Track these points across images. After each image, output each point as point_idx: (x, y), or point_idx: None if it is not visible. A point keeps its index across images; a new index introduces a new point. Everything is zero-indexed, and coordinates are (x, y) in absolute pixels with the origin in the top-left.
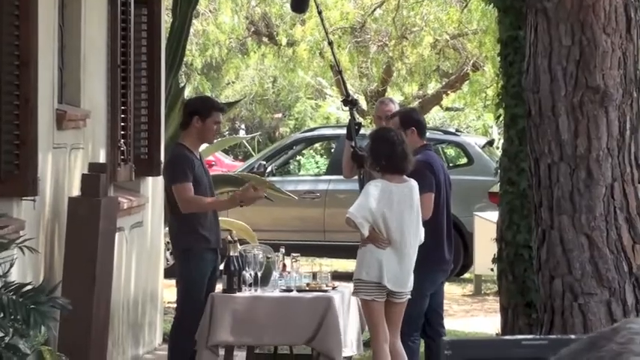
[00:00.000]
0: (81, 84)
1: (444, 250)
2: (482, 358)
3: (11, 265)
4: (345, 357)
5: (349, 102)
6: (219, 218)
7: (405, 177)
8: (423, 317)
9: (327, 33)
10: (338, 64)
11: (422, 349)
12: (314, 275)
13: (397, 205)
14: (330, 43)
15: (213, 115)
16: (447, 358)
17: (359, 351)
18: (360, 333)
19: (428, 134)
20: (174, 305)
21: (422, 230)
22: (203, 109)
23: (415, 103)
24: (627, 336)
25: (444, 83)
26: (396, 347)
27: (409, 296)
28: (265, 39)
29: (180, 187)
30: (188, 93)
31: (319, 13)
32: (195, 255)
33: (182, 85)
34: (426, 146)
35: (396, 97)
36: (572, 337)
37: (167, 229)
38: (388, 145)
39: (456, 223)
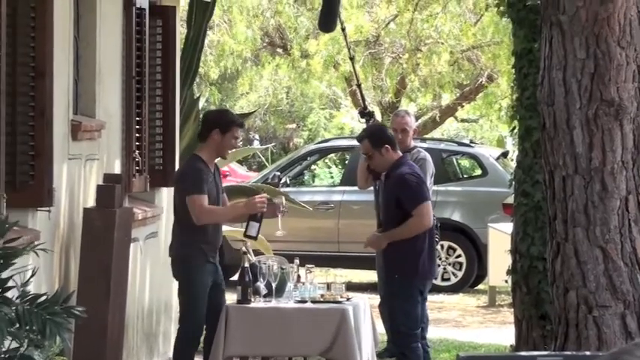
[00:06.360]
0: (96, 95)
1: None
2: None
3: (33, 274)
4: None
5: (366, 114)
6: (234, 228)
7: None
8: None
9: (349, 49)
10: (358, 79)
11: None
12: (328, 286)
13: None
14: (352, 59)
15: (233, 130)
16: None
17: None
18: (373, 344)
19: (443, 145)
20: None
21: None
22: (223, 123)
23: (430, 115)
24: None
25: (458, 95)
26: None
27: None
28: (280, 50)
29: (196, 199)
30: (201, 104)
31: (343, 30)
32: (195, 267)
33: (197, 96)
34: (403, 157)
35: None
36: (587, 353)
37: None
38: None
39: (470, 234)
